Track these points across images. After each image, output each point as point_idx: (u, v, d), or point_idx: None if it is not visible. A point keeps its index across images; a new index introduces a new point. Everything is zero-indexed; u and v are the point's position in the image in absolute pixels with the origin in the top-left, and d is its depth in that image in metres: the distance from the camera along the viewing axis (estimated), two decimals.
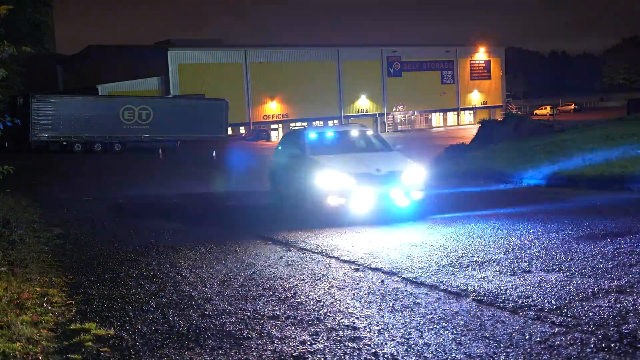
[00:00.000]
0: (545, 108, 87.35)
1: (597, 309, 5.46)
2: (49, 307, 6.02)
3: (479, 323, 5.29)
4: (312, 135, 13.16)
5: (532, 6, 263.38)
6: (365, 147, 12.99)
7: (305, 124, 70.43)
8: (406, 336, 5.07)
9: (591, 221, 9.72)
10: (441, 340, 4.94)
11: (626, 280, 6.32)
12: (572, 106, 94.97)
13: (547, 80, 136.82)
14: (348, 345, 4.91)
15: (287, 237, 9.70)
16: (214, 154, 36.30)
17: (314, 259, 8.13)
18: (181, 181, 21.37)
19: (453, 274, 6.97)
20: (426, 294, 6.27)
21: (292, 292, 6.55)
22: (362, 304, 6.03)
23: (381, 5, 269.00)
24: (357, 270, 7.43)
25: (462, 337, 4.97)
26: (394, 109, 78.07)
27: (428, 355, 4.64)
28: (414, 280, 6.82)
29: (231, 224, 11.68)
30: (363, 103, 75.61)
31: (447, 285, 6.50)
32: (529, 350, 4.63)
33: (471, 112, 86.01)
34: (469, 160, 20.44)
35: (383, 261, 7.77)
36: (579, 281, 6.39)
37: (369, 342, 4.96)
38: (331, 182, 11.07)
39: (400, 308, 5.83)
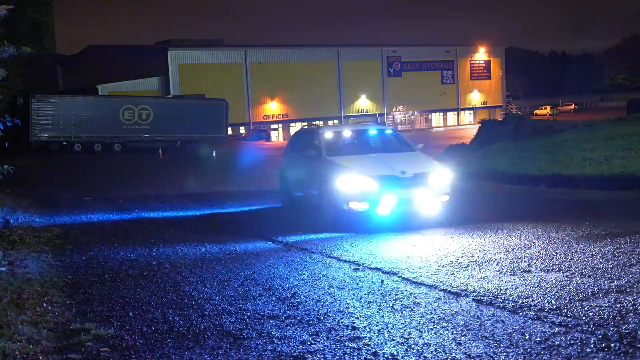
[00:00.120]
0: (545, 108, 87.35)
1: (596, 308, 5.47)
2: (49, 307, 6.02)
3: (478, 323, 5.30)
4: (328, 135, 12.23)
5: (532, 6, 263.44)
6: (385, 147, 12.21)
7: (305, 124, 70.52)
8: (406, 336, 5.07)
9: (591, 221, 9.72)
10: (441, 340, 4.94)
11: (626, 280, 6.32)
12: (572, 106, 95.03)
13: (547, 80, 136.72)
14: (348, 345, 4.91)
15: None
16: (214, 154, 36.30)
17: (314, 259, 8.14)
18: (181, 181, 21.37)
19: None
20: (426, 293, 6.28)
21: (292, 292, 6.55)
22: (362, 303, 6.03)
23: (381, 5, 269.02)
24: (357, 270, 7.44)
25: (462, 337, 4.97)
26: (394, 109, 78.04)
27: (428, 355, 4.64)
28: (414, 280, 6.82)
29: (233, 225, 11.67)
30: (363, 103, 75.61)
31: (448, 285, 6.50)
32: (528, 350, 4.64)
33: (471, 112, 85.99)
34: (471, 160, 20.42)
35: (381, 261, 7.77)
36: (579, 281, 6.39)
37: (369, 342, 4.96)
38: (352, 185, 10.22)
39: (400, 308, 5.83)
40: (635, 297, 5.74)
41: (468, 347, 4.76)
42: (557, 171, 15.37)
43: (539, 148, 20.53)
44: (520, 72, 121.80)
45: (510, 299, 5.91)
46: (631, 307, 5.44)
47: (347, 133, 12.64)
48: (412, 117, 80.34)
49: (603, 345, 4.64)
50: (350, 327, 5.33)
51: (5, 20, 8.14)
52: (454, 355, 4.62)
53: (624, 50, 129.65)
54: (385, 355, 4.67)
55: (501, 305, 5.75)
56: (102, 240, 9.90)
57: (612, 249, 7.67)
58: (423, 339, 4.99)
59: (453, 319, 5.45)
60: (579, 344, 4.69)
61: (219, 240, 9.63)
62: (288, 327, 5.39)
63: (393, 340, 4.99)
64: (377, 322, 5.44)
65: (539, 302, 5.76)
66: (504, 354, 4.59)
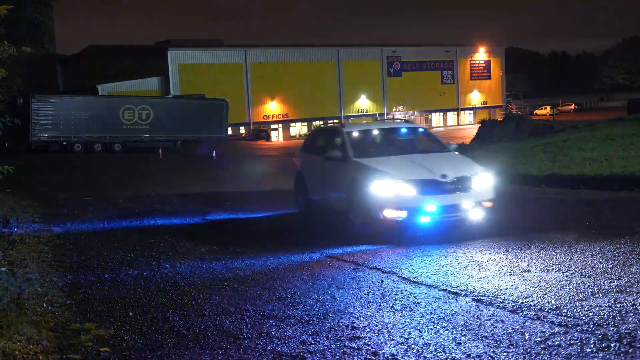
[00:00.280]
0: (545, 108, 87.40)
1: (596, 308, 5.47)
2: (49, 307, 6.02)
3: (478, 323, 5.30)
4: (354, 134, 11.03)
5: (533, 6, 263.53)
6: (417, 147, 11.10)
7: (305, 124, 70.61)
8: (405, 336, 5.07)
9: (591, 221, 9.72)
10: (441, 340, 4.95)
11: (626, 280, 6.32)
12: (572, 106, 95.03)
13: (547, 80, 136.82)
14: (348, 345, 4.91)
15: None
16: (214, 154, 36.28)
17: (313, 259, 8.14)
18: (181, 181, 21.36)
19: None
20: (426, 293, 6.28)
21: (292, 291, 6.55)
22: (362, 303, 6.04)
23: (381, 5, 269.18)
24: (356, 269, 7.44)
25: (462, 337, 4.97)
26: (394, 109, 78.06)
27: (427, 355, 4.64)
28: (414, 280, 6.82)
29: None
30: (363, 103, 75.65)
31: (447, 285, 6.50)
32: (528, 350, 4.64)
33: (471, 112, 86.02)
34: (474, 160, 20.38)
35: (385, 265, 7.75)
36: (579, 281, 6.39)
37: (369, 342, 4.96)
38: (387, 192, 9.10)
39: (399, 308, 5.83)
40: (635, 297, 5.74)
41: (468, 346, 4.76)
42: (557, 171, 15.37)
43: (539, 148, 20.52)
44: (520, 72, 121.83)
45: (510, 298, 5.91)
46: (631, 307, 5.45)
47: (375, 132, 11.56)
48: (412, 117, 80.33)
49: (603, 345, 4.64)
50: (350, 327, 5.33)
51: (5, 20, 8.15)
52: (453, 355, 4.63)
53: (624, 50, 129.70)
54: (385, 355, 4.67)
55: (501, 305, 5.75)
56: (102, 240, 9.90)
57: (612, 249, 7.67)
58: (423, 338, 4.99)
59: (453, 318, 5.45)
60: (578, 343, 4.69)
61: (220, 241, 9.60)
62: (288, 327, 5.38)
63: (393, 340, 5.00)
64: (377, 322, 5.44)
65: (538, 302, 5.76)
66: (504, 353, 4.59)
